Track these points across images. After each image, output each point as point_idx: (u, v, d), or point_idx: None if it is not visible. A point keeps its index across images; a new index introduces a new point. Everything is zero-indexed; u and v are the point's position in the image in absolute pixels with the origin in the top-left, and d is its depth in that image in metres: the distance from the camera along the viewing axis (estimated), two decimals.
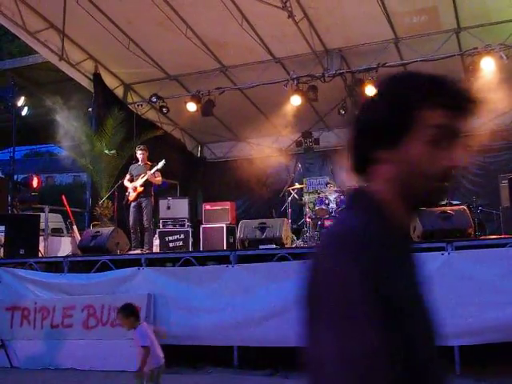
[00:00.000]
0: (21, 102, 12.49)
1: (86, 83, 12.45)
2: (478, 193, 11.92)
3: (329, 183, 12.15)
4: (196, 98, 12.07)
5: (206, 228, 11.54)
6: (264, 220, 8.28)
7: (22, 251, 9.12)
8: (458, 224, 6.91)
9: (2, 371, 7.59)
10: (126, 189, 10.43)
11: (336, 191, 11.41)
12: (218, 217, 11.70)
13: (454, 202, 9.14)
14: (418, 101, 1.11)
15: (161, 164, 10.11)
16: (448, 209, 7.25)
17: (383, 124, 1.13)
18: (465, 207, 7.44)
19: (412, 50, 10.68)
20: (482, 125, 13.13)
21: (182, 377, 6.69)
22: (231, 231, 11.30)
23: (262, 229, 8.04)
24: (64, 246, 11.60)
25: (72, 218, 12.20)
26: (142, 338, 5.22)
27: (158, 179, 10.26)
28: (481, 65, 9.97)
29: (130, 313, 5.45)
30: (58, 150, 31.08)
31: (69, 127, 12.05)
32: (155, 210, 10.86)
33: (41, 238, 10.27)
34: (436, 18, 10.31)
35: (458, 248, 6.33)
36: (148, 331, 5.36)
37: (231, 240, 11.12)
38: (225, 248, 10.73)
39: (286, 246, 8.14)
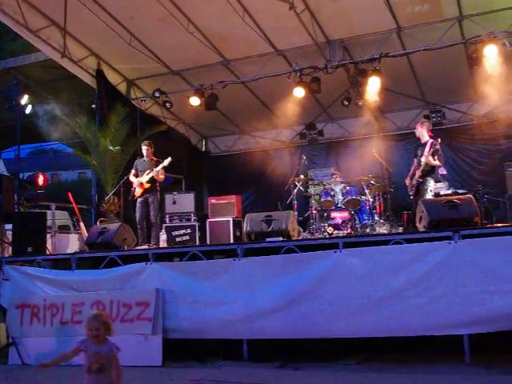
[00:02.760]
0: (24, 100, 12.45)
1: (89, 80, 12.45)
2: (484, 181, 11.89)
3: (334, 174, 12.16)
4: (199, 92, 12.06)
5: (212, 222, 11.59)
6: (270, 213, 8.23)
7: (29, 249, 9.12)
8: (465, 213, 6.88)
9: (13, 369, 7.62)
10: (131, 184, 10.45)
11: (341, 182, 11.42)
12: (224, 210, 11.75)
13: (460, 191, 9.10)
14: None
15: (167, 161, 10.08)
16: (454, 198, 7.22)
17: None
18: (471, 196, 7.39)
19: (414, 40, 10.64)
20: (488, 113, 13.12)
21: (191, 371, 6.69)
22: (238, 224, 11.34)
23: (268, 222, 8.00)
24: (71, 243, 11.63)
25: (78, 214, 12.23)
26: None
27: (161, 177, 10.26)
28: (484, 52, 9.91)
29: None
30: (62, 148, 31.22)
31: (73, 124, 12.09)
32: (161, 205, 10.88)
33: (48, 236, 10.29)
34: (438, 6, 10.25)
35: (464, 237, 6.31)
36: None
37: (238, 233, 11.16)
38: (231, 241, 10.76)
39: (293, 238, 8.13)
